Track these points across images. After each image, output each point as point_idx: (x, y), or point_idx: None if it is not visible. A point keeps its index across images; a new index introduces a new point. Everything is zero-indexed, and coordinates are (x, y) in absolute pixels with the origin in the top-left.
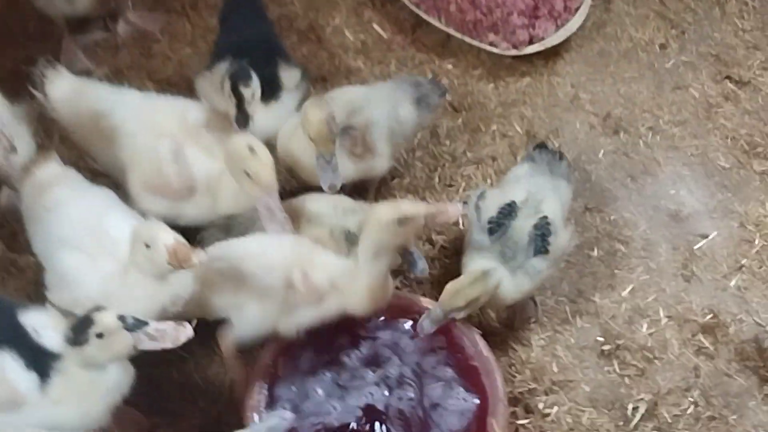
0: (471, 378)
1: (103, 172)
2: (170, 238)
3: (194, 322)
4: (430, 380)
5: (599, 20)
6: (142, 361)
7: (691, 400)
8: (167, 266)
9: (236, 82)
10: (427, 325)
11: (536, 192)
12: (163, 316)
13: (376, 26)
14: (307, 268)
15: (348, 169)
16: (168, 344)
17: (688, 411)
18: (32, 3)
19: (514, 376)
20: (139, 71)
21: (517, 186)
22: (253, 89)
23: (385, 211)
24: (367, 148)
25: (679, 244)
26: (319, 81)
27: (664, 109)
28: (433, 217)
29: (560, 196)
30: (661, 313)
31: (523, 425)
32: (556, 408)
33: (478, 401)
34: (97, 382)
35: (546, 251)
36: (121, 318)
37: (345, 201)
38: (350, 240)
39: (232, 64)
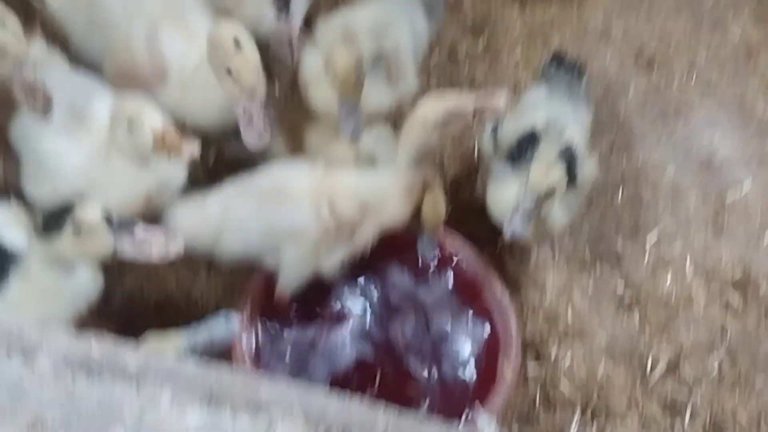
0: (482, 316)
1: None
2: (158, 120)
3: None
4: (436, 311)
5: None
6: (116, 271)
7: (716, 358)
8: (152, 151)
9: None
10: (518, 224)
11: (557, 118)
12: (147, 205)
13: None
14: (333, 198)
15: (385, 98)
16: (153, 256)
17: (712, 370)
18: None
19: (527, 320)
20: None
21: (536, 111)
22: None
23: (432, 108)
24: (399, 72)
25: (710, 194)
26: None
27: (701, 48)
28: (482, 110)
29: (581, 121)
30: (688, 266)
31: (533, 372)
32: (569, 357)
33: (489, 330)
34: (62, 286)
35: (574, 183)
36: (107, 216)
37: None
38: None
39: None
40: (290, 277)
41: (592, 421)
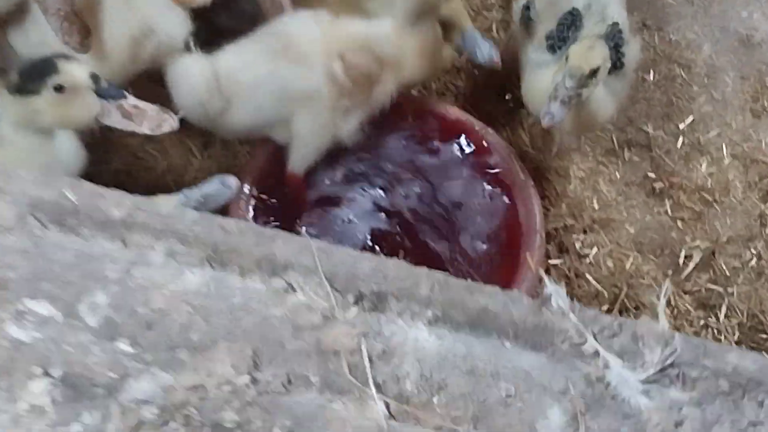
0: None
1: None
2: None
3: (180, 113)
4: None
5: None
6: (101, 151)
7: (754, 251)
8: None
9: None
10: (557, 110)
11: None
12: (136, 54)
13: None
14: (344, 51)
15: None
16: (144, 128)
17: (750, 263)
18: None
19: (548, 210)
20: None
21: None
22: None
23: None
24: None
25: (749, 74)
26: None
27: None
28: None
29: None
30: (725, 151)
31: (555, 265)
32: (595, 249)
33: (507, 200)
34: (37, 155)
35: (621, 65)
36: (94, 77)
37: None
38: None
39: None
40: (305, 151)
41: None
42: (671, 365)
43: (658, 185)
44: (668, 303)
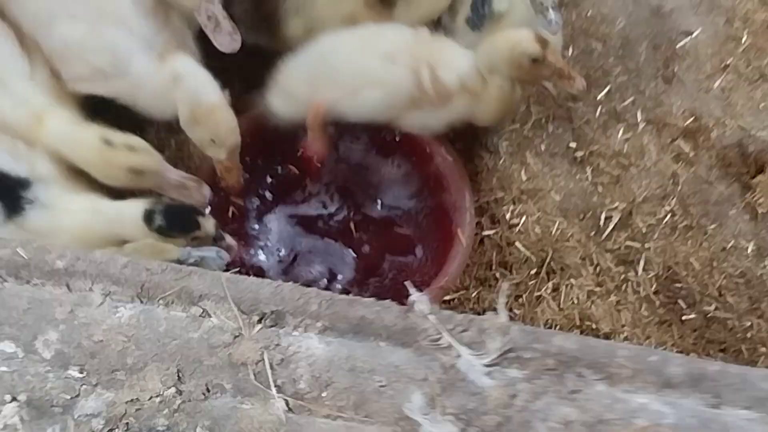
0: (434, 184)
1: None
2: None
3: None
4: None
5: None
6: None
7: (668, 209)
8: None
9: None
10: (554, 15)
11: None
12: None
13: None
14: (435, 64)
15: None
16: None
17: (665, 220)
18: None
19: (480, 185)
20: None
21: None
22: None
23: (525, 40)
24: None
25: (660, 43)
26: None
27: None
28: (559, 77)
29: None
30: (639, 117)
31: (488, 236)
32: (524, 218)
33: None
34: None
35: None
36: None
37: None
38: None
39: None
40: (357, 112)
41: (548, 279)
42: (509, 350)
43: (579, 154)
44: (591, 262)
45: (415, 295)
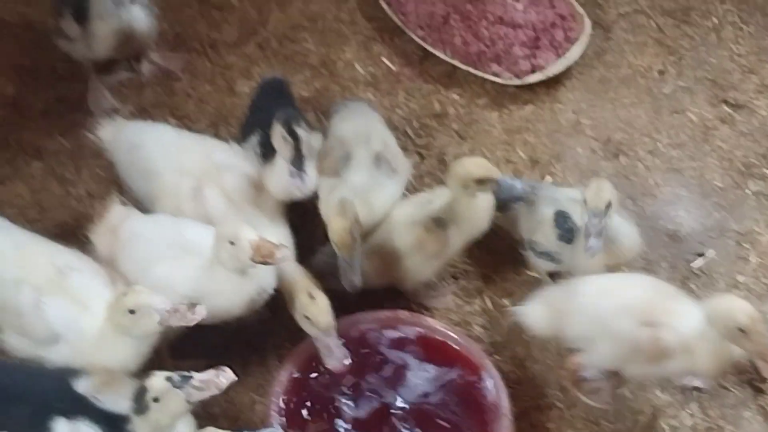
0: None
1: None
2: (253, 234)
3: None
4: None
5: (599, 48)
6: None
7: (689, 412)
8: (250, 261)
9: (290, 124)
10: (594, 241)
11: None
12: (251, 307)
13: (385, 60)
14: (661, 321)
15: (395, 190)
16: (214, 391)
17: (687, 424)
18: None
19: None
20: (162, 108)
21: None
22: (306, 131)
23: (740, 309)
24: (397, 163)
25: (677, 263)
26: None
27: (662, 132)
28: (758, 355)
29: None
30: None
31: None
32: None
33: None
34: None
35: None
36: (169, 378)
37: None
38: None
39: (282, 112)
40: (593, 364)
41: None
42: None
43: None
44: None
45: None
